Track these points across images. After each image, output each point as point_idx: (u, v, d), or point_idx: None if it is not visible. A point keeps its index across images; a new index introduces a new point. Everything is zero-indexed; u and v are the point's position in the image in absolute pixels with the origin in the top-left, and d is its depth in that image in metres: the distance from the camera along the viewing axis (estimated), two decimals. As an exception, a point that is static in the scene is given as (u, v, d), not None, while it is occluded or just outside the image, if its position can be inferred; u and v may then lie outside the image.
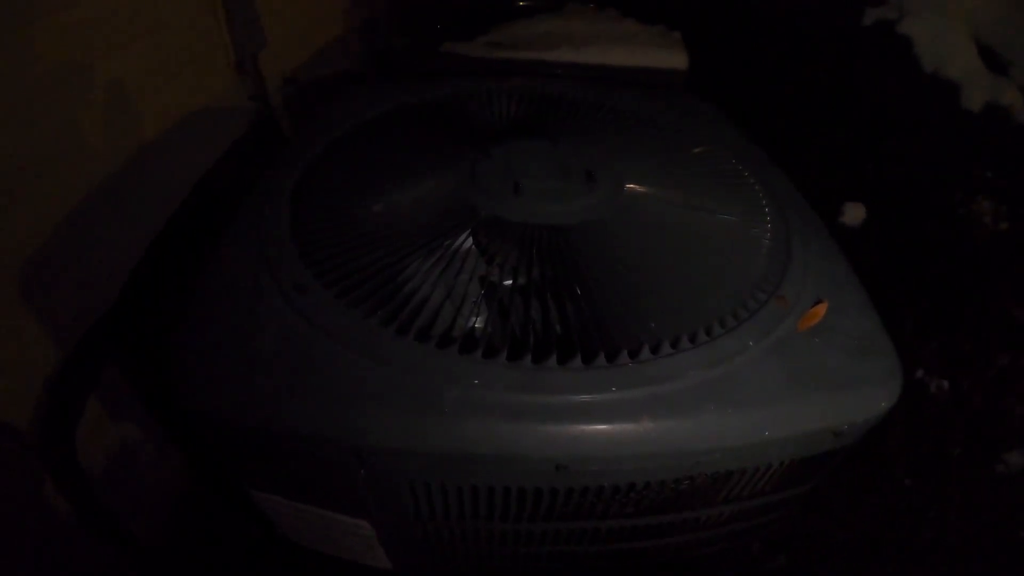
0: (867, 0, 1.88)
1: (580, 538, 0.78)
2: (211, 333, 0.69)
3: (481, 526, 0.74)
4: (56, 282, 0.92)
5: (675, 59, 1.50)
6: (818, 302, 0.76)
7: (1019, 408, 1.37)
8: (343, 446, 0.63)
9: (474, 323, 0.68)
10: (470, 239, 0.77)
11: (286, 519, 0.85)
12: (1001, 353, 1.44)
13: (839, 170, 1.73)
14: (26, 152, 0.85)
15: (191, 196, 1.19)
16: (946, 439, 1.32)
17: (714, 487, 0.73)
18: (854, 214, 1.66)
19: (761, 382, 0.66)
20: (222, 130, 1.37)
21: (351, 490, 0.70)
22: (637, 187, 0.87)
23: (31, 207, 0.87)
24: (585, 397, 0.61)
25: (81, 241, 0.96)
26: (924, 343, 1.43)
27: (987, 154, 1.85)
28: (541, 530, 0.75)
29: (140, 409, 1.14)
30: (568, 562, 0.87)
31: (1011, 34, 1.93)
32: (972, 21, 1.92)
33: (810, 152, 1.71)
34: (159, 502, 1.22)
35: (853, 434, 0.73)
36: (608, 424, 0.60)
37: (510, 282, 0.73)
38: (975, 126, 1.76)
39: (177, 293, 0.80)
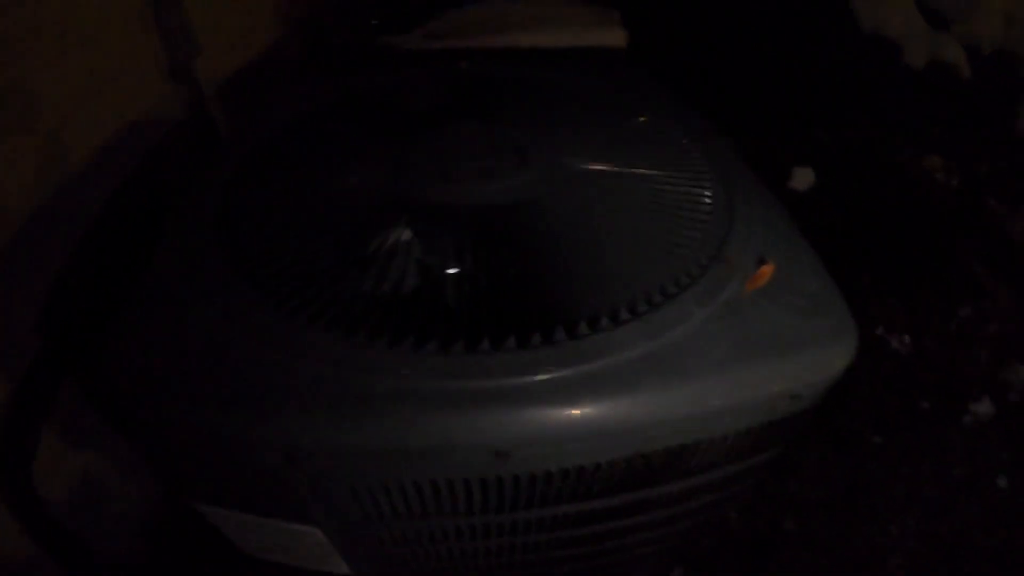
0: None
1: (541, 527, 0.76)
2: (137, 340, 0.66)
3: (431, 523, 0.71)
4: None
5: (613, 37, 1.48)
6: (763, 263, 0.74)
7: (984, 356, 1.38)
8: (274, 449, 0.59)
9: (405, 313, 0.64)
10: (400, 228, 0.74)
11: (238, 532, 0.81)
12: (961, 306, 1.44)
13: (787, 137, 1.72)
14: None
15: (112, 202, 1.14)
16: (912, 394, 1.32)
17: (672, 462, 0.70)
18: (803, 178, 1.66)
19: (707, 350, 0.64)
20: (158, 142, 1.33)
21: (293, 496, 0.66)
22: (572, 161, 0.84)
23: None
24: (521, 379, 0.58)
25: (14, 266, 0.92)
26: (882, 301, 1.43)
27: (934, 111, 1.86)
28: (496, 522, 0.72)
29: (102, 436, 1.10)
30: (537, 554, 0.84)
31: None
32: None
33: (757, 120, 1.70)
34: (131, 529, 1.18)
35: (811, 396, 0.71)
36: (547, 406, 0.57)
37: (441, 268, 0.69)
38: (919, 84, 1.77)
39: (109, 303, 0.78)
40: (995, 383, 1.35)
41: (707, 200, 0.82)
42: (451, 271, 0.69)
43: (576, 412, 0.58)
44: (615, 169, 0.85)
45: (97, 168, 1.10)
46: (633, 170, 0.85)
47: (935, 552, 1.17)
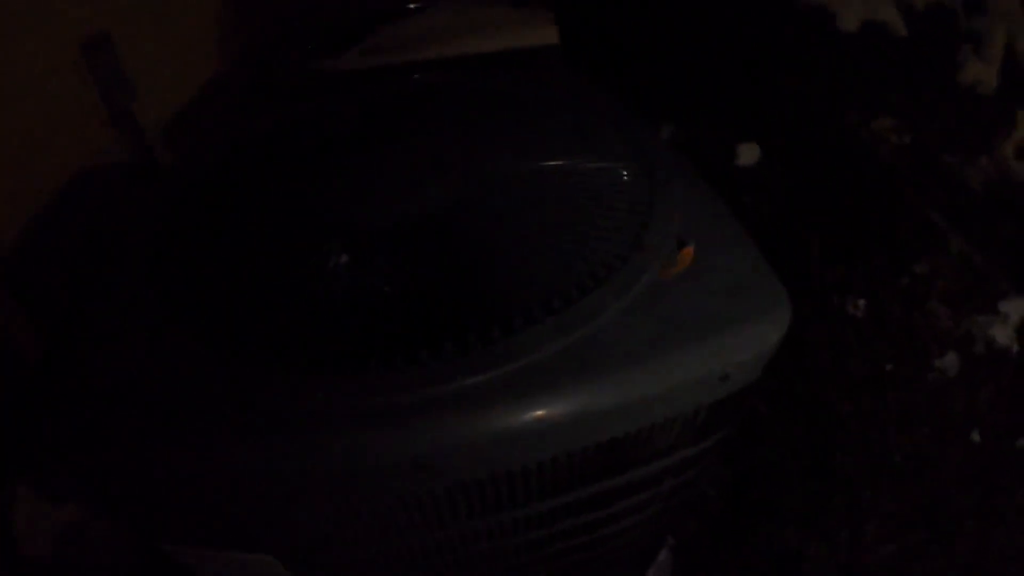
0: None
1: (491, 535, 0.75)
2: (70, 387, 0.67)
3: (377, 544, 0.70)
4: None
5: (545, 35, 1.47)
6: (683, 246, 0.73)
7: (942, 311, 1.38)
8: (209, 482, 0.60)
9: (322, 337, 0.64)
10: (326, 253, 0.74)
11: (204, 570, 0.81)
12: (918, 261, 1.44)
13: (729, 117, 1.72)
14: None
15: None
16: (874, 357, 1.32)
17: (612, 456, 0.70)
18: (748, 154, 1.66)
19: (626, 340, 0.63)
20: (106, 188, 1.33)
21: (242, 525, 0.67)
22: (493, 165, 0.84)
23: None
24: (435, 390, 0.58)
25: None
26: (835, 268, 1.43)
27: (875, 73, 1.87)
28: (443, 536, 0.72)
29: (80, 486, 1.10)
30: (494, 562, 0.84)
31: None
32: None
33: (698, 104, 1.70)
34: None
35: (744, 374, 0.71)
36: (463, 413, 0.57)
37: (357, 290, 0.69)
38: (856, 47, 1.78)
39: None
40: (958, 337, 1.36)
41: (626, 190, 0.82)
42: (369, 289, 0.69)
43: (494, 416, 0.58)
44: (535, 169, 0.85)
45: (49, 219, 1.10)
46: (553, 167, 0.85)
47: (912, 514, 1.17)
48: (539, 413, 0.59)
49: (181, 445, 0.60)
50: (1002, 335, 1.41)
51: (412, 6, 1.92)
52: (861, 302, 1.34)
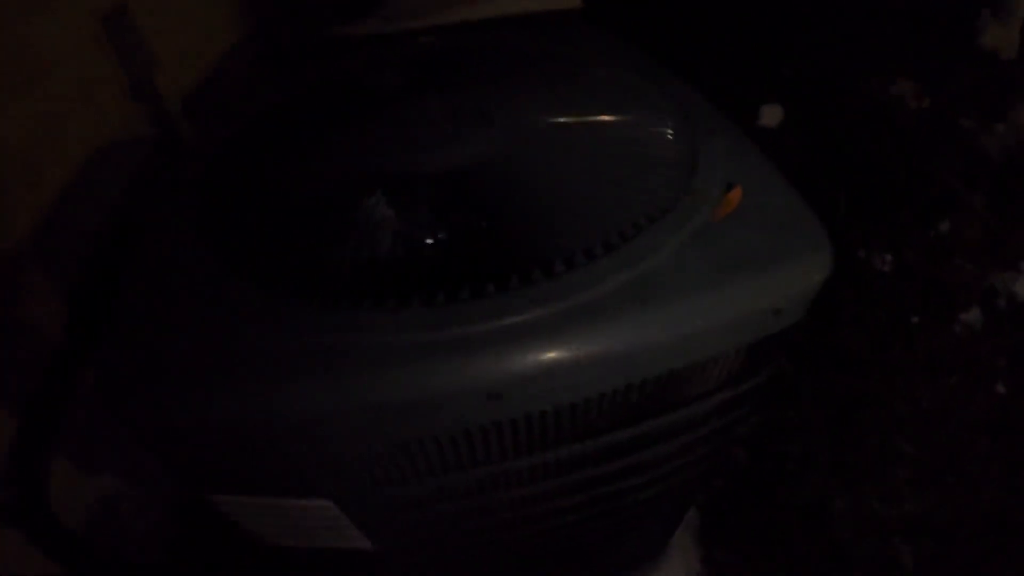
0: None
1: (546, 473, 0.77)
2: (132, 339, 0.68)
3: (438, 481, 0.72)
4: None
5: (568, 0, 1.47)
6: (730, 188, 0.75)
7: (967, 267, 1.39)
8: (274, 423, 0.61)
9: (385, 275, 0.66)
10: (375, 200, 0.75)
11: (255, 521, 0.83)
12: (940, 220, 1.46)
13: (753, 77, 1.73)
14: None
15: (107, 230, 1.16)
16: (901, 310, 1.34)
17: (665, 391, 0.72)
18: (772, 115, 1.67)
19: (684, 274, 0.65)
20: (128, 161, 1.33)
21: (300, 469, 0.68)
22: (535, 118, 0.85)
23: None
24: (504, 322, 0.59)
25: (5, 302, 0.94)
26: (861, 224, 1.45)
27: (896, 36, 1.87)
28: (498, 472, 0.74)
29: (116, 458, 1.12)
30: (546, 504, 0.86)
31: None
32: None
33: (721, 63, 1.71)
34: (149, 545, 1.20)
35: (794, 310, 0.72)
36: (531, 344, 0.59)
37: (416, 231, 0.71)
38: (878, 11, 1.78)
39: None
40: (982, 292, 1.37)
41: (670, 137, 0.83)
42: (426, 232, 0.70)
43: (562, 347, 0.60)
44: (577, 120, 0.86)
45: (73, 197, 1.11)
46: (595, 119, 0.86)
47: (939, 460, 1.20)
48: (605, 344, 0.61)
49: (245, 388, 0.61)
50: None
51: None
52: (888, 257, 1.35)
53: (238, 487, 0.75)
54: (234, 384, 0.61)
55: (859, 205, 1.46)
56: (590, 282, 0.62)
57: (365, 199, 0.75)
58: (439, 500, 0.78)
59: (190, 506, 1.21)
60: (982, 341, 1.34)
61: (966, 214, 1.47)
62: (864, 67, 1.85)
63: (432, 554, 0.98)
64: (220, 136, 0.98)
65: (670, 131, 0.84)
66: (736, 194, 0.74)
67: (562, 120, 0.86)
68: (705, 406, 0.78)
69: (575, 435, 0.71)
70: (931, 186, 1.53)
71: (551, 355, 0.59)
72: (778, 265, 0.70)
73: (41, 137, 1.06)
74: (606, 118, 0.86)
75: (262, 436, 0.64)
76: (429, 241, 0.70)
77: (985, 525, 1.16)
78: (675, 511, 1.21)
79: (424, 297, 0.62)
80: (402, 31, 1.50)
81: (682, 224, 0.69)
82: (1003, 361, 1.35)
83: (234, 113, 1.06)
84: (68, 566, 0.98)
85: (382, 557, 0.91)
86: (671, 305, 0.63)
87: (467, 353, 0.59)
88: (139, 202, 1.27)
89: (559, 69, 1.00)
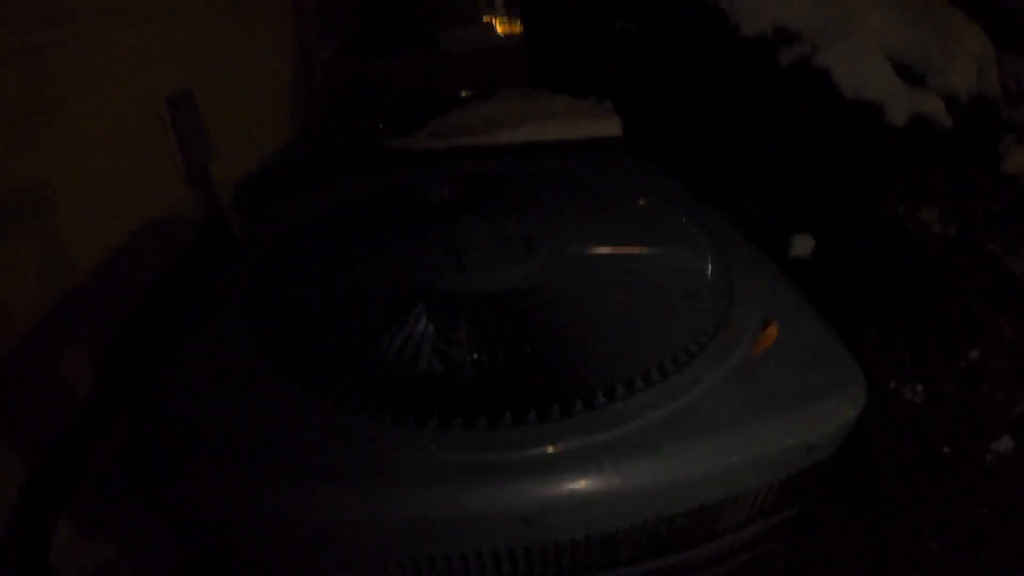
0: (780, 41, 1.98)
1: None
2: (169, 418, 0.71)
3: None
4: (15, 406, 0.93)
5: (609, 127, 1.57)
6: (767, 324, 0.78)
7: (997, 395, 1.38)
8: (308, 526, 0.62)
9: (428, 394, 0.68)
10: (420, 316, 0.79)
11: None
12: (969, 348, 1.46)
13: (783, 208, 1.78)
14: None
15: (146, 301, 1.20)
16: (931, 440, 1.32)
17: (697, 524, 0.72)
18: (802, 245, 1.70)
19: (720, 410, 0.67)
20: (177, 239, 1.39)
21: (318, 569, 0.69)
22: (577, 247, 0.90)
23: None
24: (544, 450, 0.61)
25: (38, 361, 0.97)
26: (891, 355, 1.45)
27: (922, 164, 1.92)
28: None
29: (115, 526, 1.12)
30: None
31: (922, 44, 2.03)
32: (884, 41, 2.02)
33: (752, 196, 1.76)
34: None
35: (827, 446, 0.74)
36: (570, 473, 0.60)
37: (460, 351, 0.74)
38: (904, 140, 1.84)
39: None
40: (1012, 419, 1.36)
41: (708, 272, 0.87)
42: (469, 353, 0.73)
43: (600, 477, 0.61)
44: (618, 251, 0.90)
45: (117, 267, 1.16)
46: (634, 251, 0.90)
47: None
48: (642, 475, 0.62)
49: (280, 484, 0.63)
50: (1055, 419, 1.41)
51: (464, 95, 2.03)
52: (919, 387, 1.35)
53: (249, 572, 0.76)
54: (269, 479, 0.63)
55: (890, 334, 1.47)
56: (630, 416, 0.64)
57: (411, 314, 0.79)
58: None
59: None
60: (1014, 469, 1.31)
61: (994, 340, 1.47)
62: (890, 195, 1.89)
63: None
64: (272, 234, 1.03)
65: (708, 264, 0.88)
66: (773, 330, 0.77)
67: (603, 251, 0.91)
68: (734, 540, 0.77)
69: (603, 563, 0.71)
70: (959, 313, 1.54)
71: (588, 485, 0.60)
72: (813, 402, 0.71)
73: (98, 201, 1.13)
74: (646, 250, 0.90)
75: (288, 533, 0.65)
76: (471, 360, 0.73)
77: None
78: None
79: (466, 419, 0.64)
80: (450, 148, 1.59)
81: (720, 360, 0.71)
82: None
83: (285, 212, 1.12)
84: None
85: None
86: (707, 441, 0.65)
87: (505, 478, 0.60)
88: (181, 281, 1.32)
89: (601, 199, 1.05)
